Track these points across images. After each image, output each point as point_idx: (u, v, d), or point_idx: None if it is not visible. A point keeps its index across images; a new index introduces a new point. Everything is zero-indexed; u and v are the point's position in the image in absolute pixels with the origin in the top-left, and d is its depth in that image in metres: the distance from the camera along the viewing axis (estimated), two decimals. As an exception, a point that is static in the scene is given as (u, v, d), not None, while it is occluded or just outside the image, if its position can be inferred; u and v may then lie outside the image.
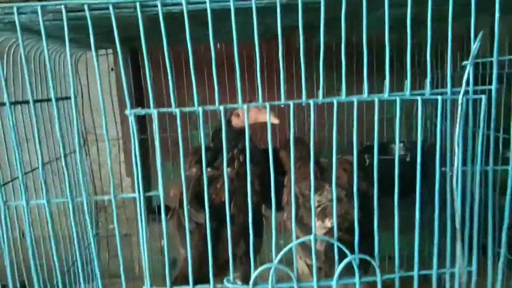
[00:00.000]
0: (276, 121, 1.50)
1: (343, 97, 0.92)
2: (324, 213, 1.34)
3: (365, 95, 0.93)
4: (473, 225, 1.00)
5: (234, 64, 0.93)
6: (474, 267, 1.02)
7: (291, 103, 0.92)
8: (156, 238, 2.54)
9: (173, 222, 1.54)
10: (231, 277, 1.01)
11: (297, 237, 1.21)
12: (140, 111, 0.93)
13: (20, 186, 1.01)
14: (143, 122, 2.45)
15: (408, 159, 1.84)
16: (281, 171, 1.75)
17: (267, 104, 0.92)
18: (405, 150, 1.95)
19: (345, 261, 0.96)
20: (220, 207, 1.36)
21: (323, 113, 2.18)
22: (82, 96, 2.10)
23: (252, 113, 1.55)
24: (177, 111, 0.93)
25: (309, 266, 1.37)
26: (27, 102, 1.42)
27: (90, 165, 2.20)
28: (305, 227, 1.31)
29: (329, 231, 1.21)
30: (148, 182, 2.49)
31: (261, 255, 1.48)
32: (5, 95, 1.01)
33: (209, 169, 1.59)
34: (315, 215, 1.30)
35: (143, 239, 0.94)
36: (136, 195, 0.97)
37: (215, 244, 1.29)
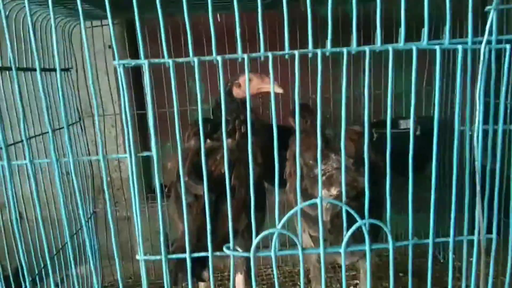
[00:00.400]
0: (280, 90, 1.42)
1: (377, 45, 0.84)
2: (329, 181, 1.28)
3: (401, 43, 0.85)
4: (494, 188, 0.92)
5: (235, 37, 0.85)
6: (494, 234, 0.94)
7: (296, 52, 0.84)
8: (157, 219, 2.49)
9: (171, 196, 1.47)
10: (231, 244, 0.93)
11: (303, 210, 1.14)
12: (130, 61, 0.84)
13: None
14: (141, 99, 2.38)
15: (418, 133, 1.76)
16: (283, 146, 1.68)
17: (270, 54, 0.84)
18: (416, 124, 1.86)
19: (355, 226, 0.88)
20: (220, 179, 1.29)
21: (328, 89, 2.11)
22: (77, 71, 2.02)
23: (254, 83, 1.47)
24: (170, 61, 0.84)
25: (313, 239, 1.31)
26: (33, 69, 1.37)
27: (86, 143, 2.12)
28: (309, 197, 1.24)
29: (335, 199, 1.15)
30: (148, 159, 2.42)
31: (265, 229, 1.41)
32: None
33: (208, 141, 1.52)
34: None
35: (135, 200, 0.87)
36: (127, 155, 0.89)
37: (214, 217, 1.22)
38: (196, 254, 0.94)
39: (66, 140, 0.90)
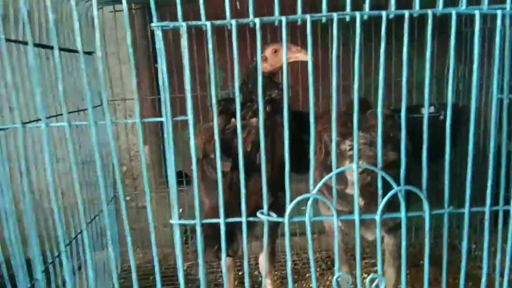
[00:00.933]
0: (308, 58, 1.41)
1: (416, 8, 0.83)
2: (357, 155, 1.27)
3: (440, 7, 0.84)
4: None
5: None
6: (531, 204, 0.92)
7: (335, 15, 0.84)
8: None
9: (197, 173, 1.47)
10: (265, 209, 0.93)
11: (327, 185, 1.13)
12: (168, 23, 0.85)
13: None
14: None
15: (442, 117, 1.75)
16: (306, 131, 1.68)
17: (283, 18, 0.83)
18: (439, 109, 1.84)
19: (391, 192, 0.88)
20: (245, 157, 1.30)
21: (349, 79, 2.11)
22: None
23: (281, 53, 1.47)
24: (208, 23, 0.85)
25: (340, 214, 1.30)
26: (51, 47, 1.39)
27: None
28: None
29: (362, 173, 1.14)
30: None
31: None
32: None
33: (233, 120, 1.52)
34: (347, 158, 1.23)
35: (170, 163, 0.87)
36: (163, 119, 0.89)
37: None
38: (230, 219, 0.94)
39: (91, 120, 0.91)
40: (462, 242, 2.13)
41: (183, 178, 2.36)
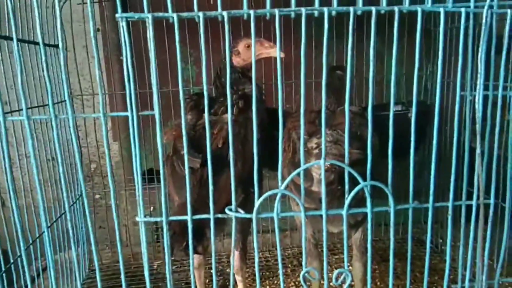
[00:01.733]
0: (282, 54, 1.41)
1: (383, 5, 0.84)
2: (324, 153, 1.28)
3: (406, 5, 0.85)
4: (493, 152, 0.93)
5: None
6: (492, 199, 0.95)
7: (303, 10, 0.83)
8: (146, 204, 2.46)
9: (166, 169, 1.45)
10: (233, 206, 0.92)
11: (294, 182, 1.14)
12: (133, 14, 0.83)
13: None
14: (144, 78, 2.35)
15: (410, 114, 1.78)
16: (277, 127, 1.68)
17: (276, 11, 0.83)
18: (406, 108, 1.88)
19: (357, 188, 0.88)
20: (216, 153, 1.28)
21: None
22: (67, 49, 1.97)
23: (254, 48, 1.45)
24: (174, 16, 0.83)
25: (306, 211, 1.31)
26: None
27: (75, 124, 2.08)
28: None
29: (328, 170, 1.15)
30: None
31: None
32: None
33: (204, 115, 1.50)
34: (313, 156, 1.24)
35: (136, 160, 0.85)
36: (129, 113, 0.87)
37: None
38: (197, 216, 0.93)
39: (51, 113, 0.88)
40: (434, 242, 2.21)
41: (154, 175, 2.33)
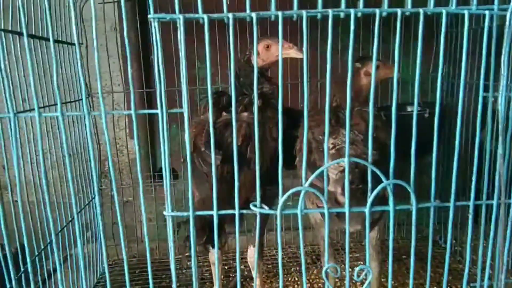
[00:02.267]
0: (300, 55, 1.43)
1: (408, 7, 0.86)
2: (339, 154, 1.31)
3: (431, 7, 0.87)
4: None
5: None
6: (512, 199, 0.96)
7: (330, 11, 0.85)
8: (161, 201, 2.49)
9: (184, 165, 1.48)
10: (257, 201, 0.95)
11: (312, 184, 1.16)
12: (164, 15, 0.85)
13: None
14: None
15: (426, 115, 1.80)
16: (294, 126, 1.70)
17: (304, 12, 0.85)
18: (423, 107, 1.89)
19: (381, 186, 0.90)
20: (237, 151, 1.31)
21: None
22: (87, 48, 2.02)
23: (273, 49, 1.48)
24: (204, 16, 0.85)
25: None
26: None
27: (94, 121, 2.12)
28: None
29: (344, 171, 1.17)
30: (153, 143, 2.43)
31: (277, 204, 1.43)
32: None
33: (224, 113, 1.53)
34: (329, 156, 1.25)
35: (164, 151, 0.88)
36: (158, 111, 0.90)
37: (232, 187, 1.24)
38: (223, 212, 0.96)
39: (84, 110, 0.91)
40: (441, 237, 2.21)
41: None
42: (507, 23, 0.89)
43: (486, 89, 0.95)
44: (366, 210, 0.93)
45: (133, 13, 2.19)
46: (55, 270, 1.81)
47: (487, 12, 0.89)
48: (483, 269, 1.09)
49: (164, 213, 0.94)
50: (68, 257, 1.73)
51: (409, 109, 2.22)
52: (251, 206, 0.95)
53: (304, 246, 2.33)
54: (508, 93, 0.93)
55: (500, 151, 0.92)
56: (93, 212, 2.01)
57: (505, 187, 0.96)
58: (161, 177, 2.44)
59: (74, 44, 1.82)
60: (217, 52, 2.08)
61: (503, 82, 0.90)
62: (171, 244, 0.95)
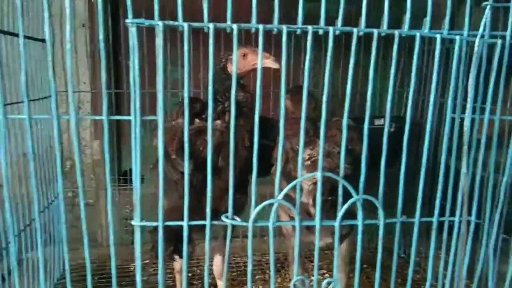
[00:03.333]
0: (276, 65, 1.43)
1: (384, 28, 0.88)
2: (314, 166, 1.31)
3: (405, 29, 0.89)
4: (476, 174, 0.99)
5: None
6: (473, 217, 1.01)
7: (309, 28, 0.86)
8: (124, 205, 2.42)
9: (156, 173, 1.44)
10: (229, 213, 0.94)
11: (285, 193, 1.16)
12: (143, 21, 0.83)
13: None
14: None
15: (392, 129, 1.85)
16: (266, 135, 1.70)
17: (284, 27, 0.86)
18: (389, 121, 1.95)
19: (351, 200, 0.92)
20: (206, 160, 1.29)
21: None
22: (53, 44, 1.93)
23: (249, 58, 1.47)
24: (185, 25, 0.84)
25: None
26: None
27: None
28: (292, 180, 1.28)
29: (315, 184, 1.18)
30: (118, 145, 2.37)
31: (245, 213, 1.43)
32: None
33: (197, 120, 1.51)
34: (305, 167, 1.26)
35: (136, 158, 0.85)
36: (132, 117, 0.87)
37: (201, 197, 1.22)
38: (194, 222, 0.94)
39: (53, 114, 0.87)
40: (400, 247, 2.28)
41: (127, 176, 2.32)
42: (476, 48, 0.93)
43: (454, 110, 0.99)
44: (336, 224, 0.94)
45: (105, 11, 2.13)
46: (9, 273, 1.71)
47: (457, 37, 0.93)
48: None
49: (132, 222, 0.91)
50: (24, 261, 1.65)
51: (376, 122, 2.28)
52: (222, 218, 0.94)
53: (268, 253, 2.33)
54: (473, 115, 0.98)
55: (463, 170, 0.96)
56: (51, 215, 1.93)
57: (467, 204, 1.00)
58: (125, 180, 2.39)
59: (41, 40, 1.75)
60: (200, 57, 2.05)
61: (469, 104, 0.94)
62: (138, 254, 0.92)
